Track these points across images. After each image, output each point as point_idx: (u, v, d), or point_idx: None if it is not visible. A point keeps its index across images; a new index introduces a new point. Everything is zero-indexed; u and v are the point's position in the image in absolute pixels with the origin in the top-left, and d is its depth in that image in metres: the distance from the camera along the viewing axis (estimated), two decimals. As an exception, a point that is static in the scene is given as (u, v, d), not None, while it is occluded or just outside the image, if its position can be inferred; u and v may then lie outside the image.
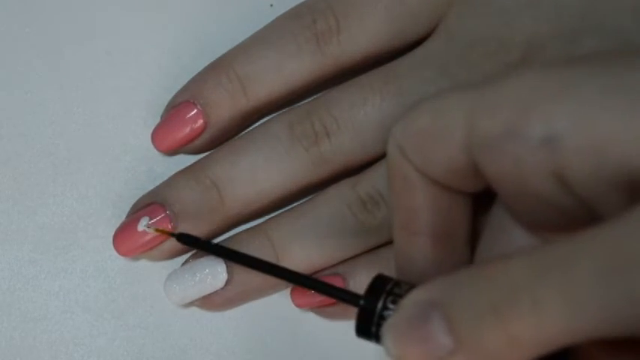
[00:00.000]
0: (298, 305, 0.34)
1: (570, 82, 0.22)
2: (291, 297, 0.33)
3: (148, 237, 0.32)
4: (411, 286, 0.24)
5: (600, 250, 0.20)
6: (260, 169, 0.32)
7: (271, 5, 0.35)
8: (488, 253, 0.27)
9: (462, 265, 0.27)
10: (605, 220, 0.20)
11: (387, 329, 0.23)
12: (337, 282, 0.32)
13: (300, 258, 0.32)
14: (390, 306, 0.24)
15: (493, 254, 0.27)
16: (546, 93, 0.22)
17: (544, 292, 0.20)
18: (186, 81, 0.33)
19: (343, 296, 0.26)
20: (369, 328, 0.25)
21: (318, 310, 0.34)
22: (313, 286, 0.27)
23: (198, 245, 0.31)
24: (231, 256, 0.31)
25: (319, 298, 0.32)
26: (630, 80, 0.21)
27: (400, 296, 0.24)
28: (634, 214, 0.20)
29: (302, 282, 0.28)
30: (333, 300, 0.28)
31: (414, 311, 0.22)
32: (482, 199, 0.27)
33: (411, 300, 0.22)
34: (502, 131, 0.22)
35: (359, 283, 0.32)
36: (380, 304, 0.24)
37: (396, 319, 0.23)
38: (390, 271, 0.27)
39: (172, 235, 0.31)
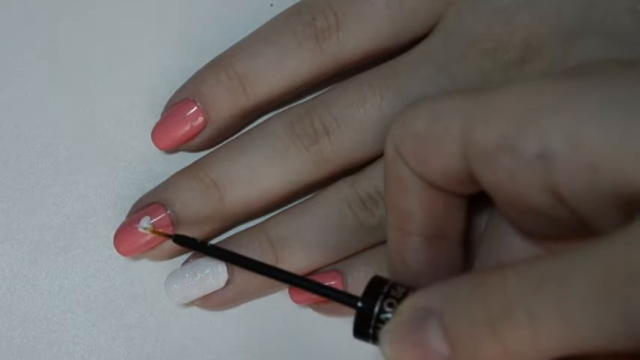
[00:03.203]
0: (297, 302, 0.34)
1: (566, 95, 0.21)
2: (290, 294, 0.34)
3: (148, 237, 0.32)
4: (407, 289, 0.24)
5: (595, 267, 0.20)
6: (260, 168, 0.32)
7: (271, 5, 0.34)
8: (487, 259, 0.27)
9: (455, 266, 0.27)
10: (600, 235, 0.20)
11: (385, 333, 0.23)
12: (335, 278, 0.33)
13: (299, 257, 0.32)
14: (387, 309, 0.24)
15: (492, 260, 0.27)
16: (542, 106, 0.22)
17: (539, 307, 0.20)
18: (185, 81, 0.33)
19: (341, 298, 0.26)
20: (366, 329, 0.25)
21: (316, 306, 0.34)
22: (311, 287, 0.27)
23: (195, 247, 0.31)
24: (227, 257, 0.31)
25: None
26: (625, 93, 0.21)
27: (397, 299, 0.24)
28: (628, 231, 0.20)
29: (300, 284, 0.28)
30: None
31: (412, 317, 0.22)
32: (481, 204, 0.27)
33: (409, 305, 0.23)
34: (497, 144, 0.22)
35: (357, 280, 0.32)
36: (377, 307, 0.24)
37: (394, 323, 0.23)
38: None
39: (169, 236, 0.31)
